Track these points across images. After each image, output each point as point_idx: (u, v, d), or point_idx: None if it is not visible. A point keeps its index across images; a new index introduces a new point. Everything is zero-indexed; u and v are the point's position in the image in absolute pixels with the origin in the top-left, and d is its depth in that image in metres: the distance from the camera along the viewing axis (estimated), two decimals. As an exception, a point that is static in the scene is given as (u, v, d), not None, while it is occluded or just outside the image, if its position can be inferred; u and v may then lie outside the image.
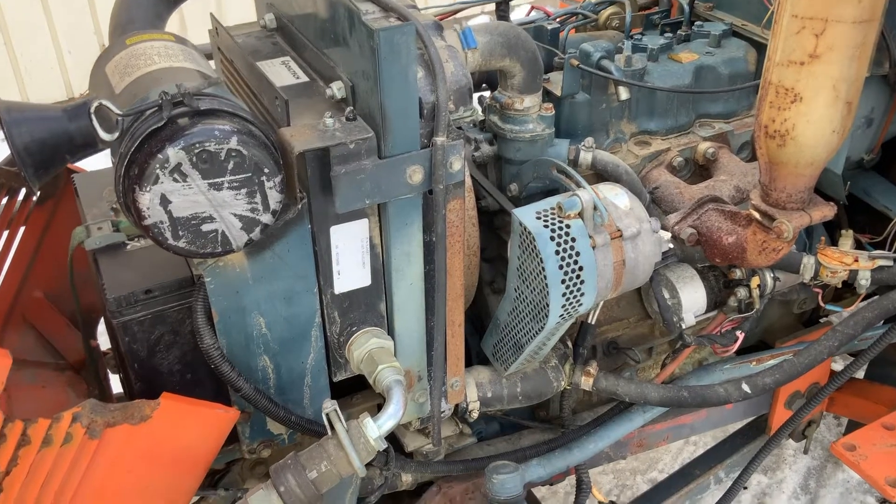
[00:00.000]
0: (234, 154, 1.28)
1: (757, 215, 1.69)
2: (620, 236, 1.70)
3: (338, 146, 1.41)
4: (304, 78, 1.69)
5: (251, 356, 1.59)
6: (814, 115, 1.50)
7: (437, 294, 1.64)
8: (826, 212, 1.66)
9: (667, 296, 2.12)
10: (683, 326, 2.12)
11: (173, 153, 1.24)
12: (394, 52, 1.38)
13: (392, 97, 1.42)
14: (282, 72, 1.72)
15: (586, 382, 2.01)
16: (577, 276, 1.64)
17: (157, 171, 1.24)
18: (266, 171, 1.32)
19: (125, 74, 1.44)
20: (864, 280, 2.03)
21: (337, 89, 1.52)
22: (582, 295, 1.66)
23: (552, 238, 1.62)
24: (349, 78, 1.53)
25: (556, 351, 2.01)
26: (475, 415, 1.94)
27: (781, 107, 1.52)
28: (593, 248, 1.66)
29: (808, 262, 1.98)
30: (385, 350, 1.62)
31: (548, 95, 1.94)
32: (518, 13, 2.47)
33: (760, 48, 2.22)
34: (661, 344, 2.36)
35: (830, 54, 1.44)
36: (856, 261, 2.03)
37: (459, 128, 1.54)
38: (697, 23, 2.22)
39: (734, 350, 2.16)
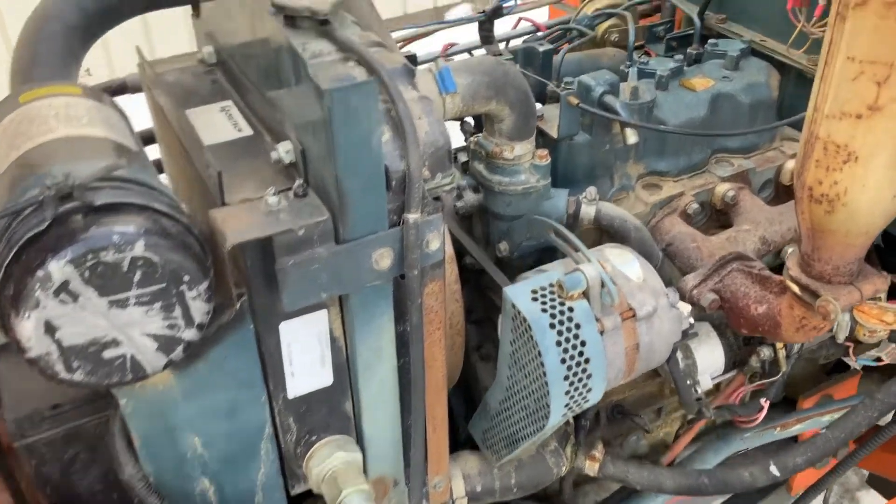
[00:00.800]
0: (140, 263, 0.98)
1: (796, 289, 1.41)
2: (633, 316, 1.41)
3: (283, 234, 1.12)
4: (247, 130, 1.39)
5: (186, 480, 1.30)
6: (871, 178, 1.22)
7: (413, 392, 1.35)
8: (879, 285, 1.39)
9: (680, 356, 1.85)
10: (700, 391, 1.85)
11: (57, 268, 0.94)
12: (351, 116, 1.09)
13: (351, 170, 1.13)
14: (220, 122, 1.41)
15: (591, 468, 1.73)
16: (583, 370, 1.35)
17: (38, 292, 0.94)
18: (187, 278, 1.03)
19: (12, 147, 1.13)
20: (907, 341, 1.76)
21: (284, 152, 1.22)
22: (589, 391, 1.38)
23: (552, 325, 1.34)
24: (299, 138, 1.23)
25: (556, 432, 1.73)
26: (462, 512, 1.66)
27: (831, 167, 1.24)
28: (601, 333, 1.37)
29: (843, 319, 1.71)
30: (351, 467, 1.33)
31: (542, 137, 1.65)
32: (504, 25, 2.16)
33: (784, 69, 1.93)
34: (671, 403, 2.09)
35: (895, 106, 1.16)
36: (898, 319, 1.76)
37: (437, 198, 1.25)
38: (711, 41, 1.93)
39: (759, 421, 1.89)
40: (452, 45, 2.17)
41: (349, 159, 1.11)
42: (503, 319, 1.43)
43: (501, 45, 2.22)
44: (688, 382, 1.89)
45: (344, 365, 1.36)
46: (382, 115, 1.20)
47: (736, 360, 1.93)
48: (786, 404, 2.28)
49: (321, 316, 1.28)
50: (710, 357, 1.86)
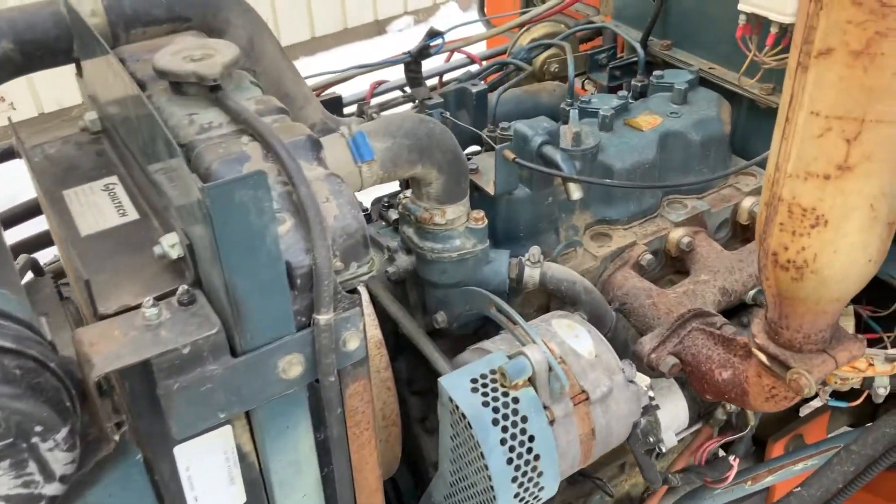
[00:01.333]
0: (-27, 420, 0.79)
1: (763, 358, 1.27)
2: (587, 399, 1.26)
3: (164, 355, 0.93)
4: (132, 214, 1.20)
5: None
6: (843, 242, 1.08)
7: (341, 506, 1.18)
8: (855, 351, 1.25)
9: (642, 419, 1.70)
10: (664, 449, 1.71)
11: None
12: (237, 214, 0.91)
13: (242, 273, 0.95)
14: (102, 204, 1.22)
15: (551, 549, 1.57)
16: (533, 468, 1.19)
17: None
18: (39, 429, 0.84)
19: None
20: (882, 388, 1.64)
21: (169, 246, 1.04)
22: (540, 489, 1.22)
23: (496, 421, 1.17)
24: (186, 229, 1.04)
25: (511, 511, 1.57)
26: None
27: (798, 231, 1.10)
28: (551, 423, 1.21)
29: (811, 369, 1.58)
30: None
31: (477, 192, 1.49)
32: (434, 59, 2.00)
33: (735, 99, 1.80)
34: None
35: (868, 165, 1.02)
36: (870, 365, 1.64)
37: (353, 290, 1.07)
38: (656, 73, 1.79)
39: (730, 480, 1.75)
40: (381, 83, 2.00)
41: (239, 261, 0.93)
42: (441, 410, 1.26)
43: (434, 81, 2.06)
44: (650, 440, 1.75)
45: (259, 480, 1.17)
46: (284, 200, 1.03)
47: (701, 412, 1.80)
48: (755, 448, 2.16)
49: (224, 433, 1.10)
50: (672, 411, 1.72)
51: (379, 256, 1.62)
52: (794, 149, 1.06)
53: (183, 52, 1.17)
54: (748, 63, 1.70)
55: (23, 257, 1.56)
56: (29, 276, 1.56)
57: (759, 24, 1.65)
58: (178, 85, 1.16)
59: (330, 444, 1.15)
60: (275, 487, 1.16)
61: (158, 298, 1.02)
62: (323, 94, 1.87)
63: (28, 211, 1.80)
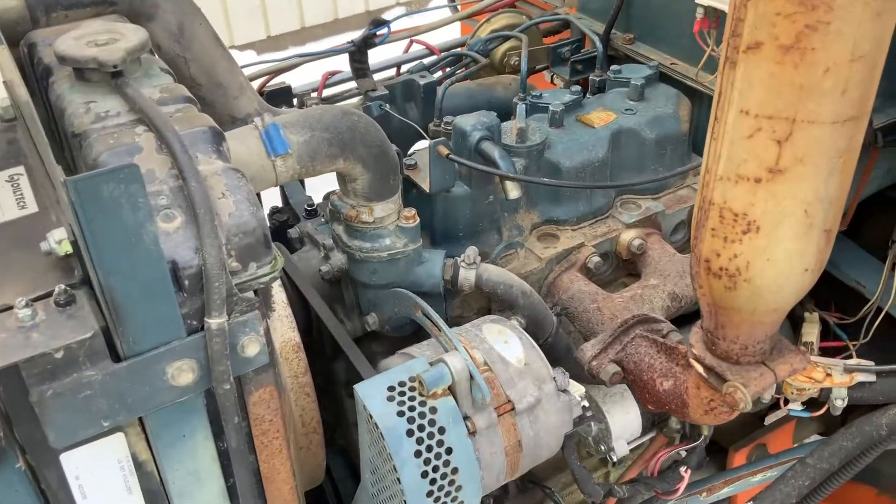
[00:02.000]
0: None
1: (700, 370, 1.20)
2: (512, 409, 1.19)
3: (35, 359, 0.87)
4: (31, 207, 1.13)
5: None
6: (777, 250, 1.01)
7: (246, 521, 1.11)
8: (796, 364, 1.18)
9: (592, 424, 1.64)
10: (615, 458, 1.65)
11: None
12: (107, 211, 0.84)
13: (119, 272, 0.88)
14: (2, 195, 1.16)
15: (488, 560, 1.51)
16: (451, 482, 1.13)
17: None
18: None
19: None
20: (839, 400, 1.58)
21: (56, 242, 0.97)
22: (459, 504, 1.16)
23: (410, 432, 1.11)
24: (73, 224, 0.98)
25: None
26: None
27: (729, 237, 1.03)
28: (472, 434, 1.15)
29: (766, 378, 1.51)
30: None
31: (414, 189, 1.42)
32: (396, 47, 1.93)
33: (696, 96, 1.73)
34: (589, 464, 1.88)
35: (801, 168, 0.95)
36: (828, 376, 1.58)
37: (255, 292, 1.01)
38: (614, 67, 1.72)
39: (681, 493, 1.69)
40: (334, 73, 1.93)
41: (114, 261, 0.87)
42: (359, 419, 1.20)
43: (391, 72, 1.99)
44: (601, 448, 1.69)
45: (159, 490, 1.11)
46: (176, 195, 0.96)
47: (655, 421, 1.74)
48: (716, 454, 2.09)
49: (116, 440, 1.03)
50: (625, 419, 1.65)
51: (315, 255, 1.56)
52: (724, 150, 0.99)
53: (87, 37, 1.11)
54: (706, 58, 1.63)
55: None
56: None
57: (717, 17, 1.58)
58: (81, 71, 1.10)
59: (230, 454, 1.09)
60: (174, 499, 1.10)
61: (43, 297, 0.96)
62: (271, 83, 1.81)
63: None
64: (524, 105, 1.50)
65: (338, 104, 1.30)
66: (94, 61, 1.06)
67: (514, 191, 1.35)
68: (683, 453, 1.75)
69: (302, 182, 1.88)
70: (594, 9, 2.00)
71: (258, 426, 1.10)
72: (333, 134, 1.18)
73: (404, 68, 2.01)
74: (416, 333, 1.48)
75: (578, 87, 1.67)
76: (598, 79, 1.77)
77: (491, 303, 1.50)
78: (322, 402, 1.80)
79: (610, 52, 1.88)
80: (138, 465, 1.07)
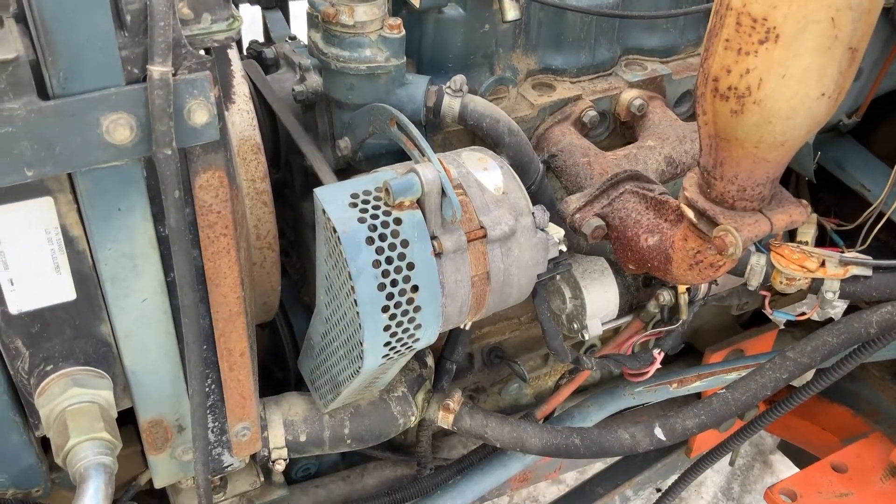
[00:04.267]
0: None
1: (690, 214, 1.11)
2: (484, 237, 1.10)
3: (-57, 75, 0.76)
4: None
5: None
6: (795, 65, 0.90)
7: (183, 316, 1.02)
8: (795, 216, 1.09)
9: (567, 296, 1.56)
10: (587, 336, 1.57)
11: None
12: None
13: (47, -15, 0.77)
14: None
15: (444, 420, 1.45)
16: (409, 301, 1.04)
17: None
18: None
19: None
20: (830, 293, 1.49)
21: (-15, -35, 0.85)
22: (417, 327, 1.07)
23: (370, 240, 1.01)
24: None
25: (406, 374, 1.44)
26: (281, 467, 1.36)
27: (744, 49, 0.92)
28: (437, 256, 1.06)
29: (756, 263, 1.43)
30: (88, 410, 1.00)
31: (404, 6, 1.30)
32: None
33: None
34: (560, 349, 1.81)
35: (834, -37, 0.84)
36: (822, 265, 1.49)
37: (207, 50, 0.90)
38: None
39: (650, 375, 1.62)
40: None
41: (41, -33, 0.76)
42: (317, 229, 1.10)
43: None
44: (574, 326, 1.61)
45: (92, 275, 1.02)
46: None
47: (633, 304, 1.65)
48: (691, 357, 2.03)
49: (44, 205, 0.94)
50: (602, 298, 1.57)
51: (291, 77, 1.45)
52: (751, -61, 0.87)
53: None
54: None
55: None
56: None
57: None
58: None
59: (168, 235, 0.99)
60: (106, 284, 1.01)
61: (-34, 25, 0.85)
62: None
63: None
64: (533, -68, 1.37)
65: None
66: None
67: (512, 10, 1.23)
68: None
69: (286, 15, 1.75)
70: None
71: (204, 216, 1.00)
72: None
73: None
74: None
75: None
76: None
77: (476, 142, 1.39)
78: (289, 254, 1.71)
79: None
80: (69, 241, 0.98)
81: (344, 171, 1.38)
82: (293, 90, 1.34)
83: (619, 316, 1.62)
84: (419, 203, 1.04)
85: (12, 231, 0.94)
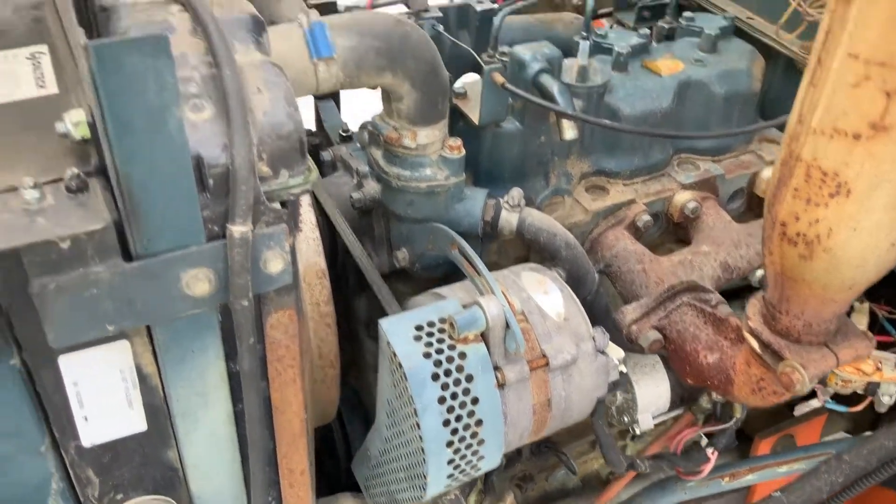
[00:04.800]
0: None
1: (755, 345, 1.11)
2: (546, 365, 1.10)
3: (38, 247, 0.79)
4: (51, 88, 1.04)
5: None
6: (866, 219, 0.90)
7: (251, 450, 1.04)
8: (861, 350, 1.08)
9: (618, 392, 1.55)
10: (638, 431, 1.56)
11: None
12: (130, 85, 0.75)
13: (137, 158, 0.79)
14: (21, 73, 1.06)
15: (497, 522, 1.44)
16: (473, 435, 1.05)
17: None
18: None
19: None
20: (886, 397, 1.47)
21: (72, 124, 0.88)
22: (480, 459, 1.08)
23: (436, 377, 1.02)
24: (91, 102, 0.89)
25: (458, 476, 1.43)
26: (334, 571, 1.37)
27: (813, 200, 0.92)
28: (501, 386, 1.06)
29: (811, 365, 1.42)
30: (157, 542, 1.02)
31: (462, 120, 1.31)
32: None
33: (771, 55, 1.60)
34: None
35: (910, 127, 0.84)
36: (878, 370, 1.48)
37: (283, 204, 0.92)
38: (687, 14, 1.59)
39: (704, 475, 1.60)
40: (383, -7, 1.81)
41: (133, 145, 0.78)
42: (381, 356, 1.11)
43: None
44: (625, 419, 1.60)
45: (162, 407, 1.04)
46: (207, 84, 0.87)
47: (684, 397, 1.64)
48: (740, 442, 2.00)
49: (121, 348, 0.96)
50: (653, 392, 1.57)
51: (348, 181, 1.47)
52: (823, 98, 0.87)
53: None
54: (790, 13, 1.49)
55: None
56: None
57: (809, -31, 1.45)
58: (117, -63, 0.99)
59: (242, 377, 1.01)
60: (177, 418, 1.02)
61: (53, 182, 0.87)
62: (317, -2, 1.69)
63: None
64: (587, 43, 1.38)
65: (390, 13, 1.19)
66: (133, -71, 0.96)
67: (570, 130, 1.25)
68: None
69: (337, 104, 1.78)
70: (668, -47, 1.86)
71: (273, 352, 1.02)
72: (383, 43, 1.08)
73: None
74: (448, 277, 1.40)
75: (647, 31, 1.54)
76: (667, 26, 1.65)
77: (531, 253, 1.40)
78: (341, 343, 1.72)
79: (680, 1, 1.75)
80: (142, 378, 1.00)
81: (395, 274, 1.40)
82: (351, 197, 1.36)
83: (670, 409, 1.61)
84: (483, 336, 1.05)
85: (90, 373, 0.96)
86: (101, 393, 0.99)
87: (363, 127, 1.60)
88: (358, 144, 1.55)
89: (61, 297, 0.83)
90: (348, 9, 1.52)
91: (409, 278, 1.43)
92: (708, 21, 1.57)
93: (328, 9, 1.72)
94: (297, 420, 1.12)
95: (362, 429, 1.66)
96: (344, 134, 1.64)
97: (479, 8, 1.53)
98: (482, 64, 1.28)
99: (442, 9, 1.52)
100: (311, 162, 0.93)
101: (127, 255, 0.85)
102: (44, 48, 1.12)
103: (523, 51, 1.27)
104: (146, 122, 0.77)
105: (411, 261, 1.31)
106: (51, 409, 0.97)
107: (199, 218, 0.86)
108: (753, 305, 1.13)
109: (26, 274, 0.81)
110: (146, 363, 0.99)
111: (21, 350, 0.90)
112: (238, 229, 0.86)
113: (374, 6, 1.78)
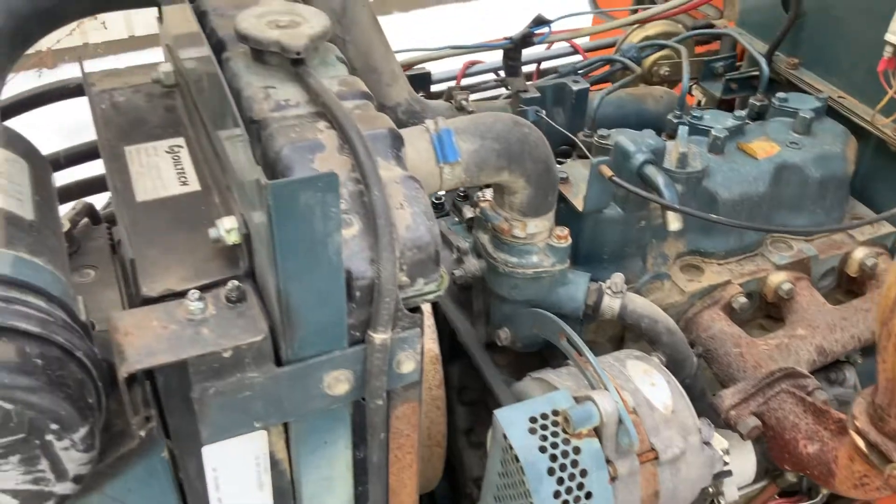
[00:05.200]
0: (-14, 412, 0.71)
1: (862, 444, 1.12)
2: (655, 458, 1.13)
3: (202, 358, 0.84)
4: (193, 185, 1.11)
5: None
6: None
7: (371, 533, 1.09)
8: (972, 455, 1.09)
9: (703, 464, 1.57)
10: (723, 502, 1.57)
11: None
12: (300, 217, 0.80)
13: (298, 281, 0.85)
14: (164, 168, 1.14)
15: None
16: (585, 526, 1.08)
17: None
18: (55, 427, 0.76)
19: None
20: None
21: (226, 231, 0.94)
22: (589, 548, 1.10)
23: (551, 471, 1.06)
24: (246, 215, 0.95)
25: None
26: None
27: (937, 317, 0.94)
28: (612, 480, 1.09)
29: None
30: None
31: (563, 203, 1.35)
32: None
33: (862, 135, 1.62)
34: None
35: None
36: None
37: (415, 309, 0.96)
38: (780, 95, 1.61)
39: (788, 552, 1.61)
40: (474, 63, 1.87)
41: (297, 267, 0.84)
42: (492, 442, 1.15)
43: (530, 68, 1.92)
44: (709, 490, 1.61)
45: (289, 489, 1.09)
46: (354, 200, 0.92)
47: (769, 469, 1.65)
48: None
49: (258, 437, 1.01)
50: (739, 465, 1.57)
51: (447, 256, 1.51)
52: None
53: (268, 17, 1.07)
54: (887, 100, 1.51)
55: (80, 202, 1.50)
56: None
57: (908, 58, 1.46)
58: (260, 52, 1.06)
59: (368, 466, 1.06)
60: (304, 500, 1.08)
61: (206, 288, 0.94)
62: (411, 69, 1.76)
63: (91, 151, 1.73)
64: (686, 128, 1.41)
65: (505, 112, 1.23)
66: (277, 45, 1.02)
67: (676, 222, 1.28)
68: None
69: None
70: (754, 24, 1.89)
71: (395, 440, 1.07)
72: (503, 145, 1.13)
73: (543, 65, 1.94)
74: (542, 352, 1.43)
75: (742, 112, 1.57)
76: (758, 103, 1.67)
77: (625, 331, 1.43)
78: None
79: (770, 76, 1.77)
80: (274, 464, 1.05)
81: (488, 345, 1.44)
82: (452, 273, 1.41)
83: (755, 480, 1.62)
84: (596, 431, 1.08)
85: (228, 460, 1.02)
86: (236, 477, 1.04)
87: (450, 192, 1.65)
88: (454, 217, 1.60)
89: (218, 399, 0.89)
90: (449, 93, 1.56)
91: (503, 349, 1.47)
92: (801, 102, 1.59)
93: (423, 79, 1.78)
94: (410, 500, 1.16)
95: (448, 490, 1.70)
96: (436, 202, 1.69)
97: (574, 87, 1.58)
98: (585, 149, 1.32)
99: (540, 88, 1.57)
100: (443, 269, 0.98)
101: (277, 360, 0.91)
102: (181, 141, 1.20)
103: (628, 142, 1.30)
104: (310, 247, 0.83)
105: (513, 340, 1.35)
106: (190, 494, 1.03)
107: (345, 326, 0.92)
108: (860, 405, 1.14)
109: (187, 378, 0.87)
110: (278, 449, 1.04)
111: (170, 442, 0.97)
112: (380, 337, 0.91)
113: (465, 75, 1.84)
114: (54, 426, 0.76)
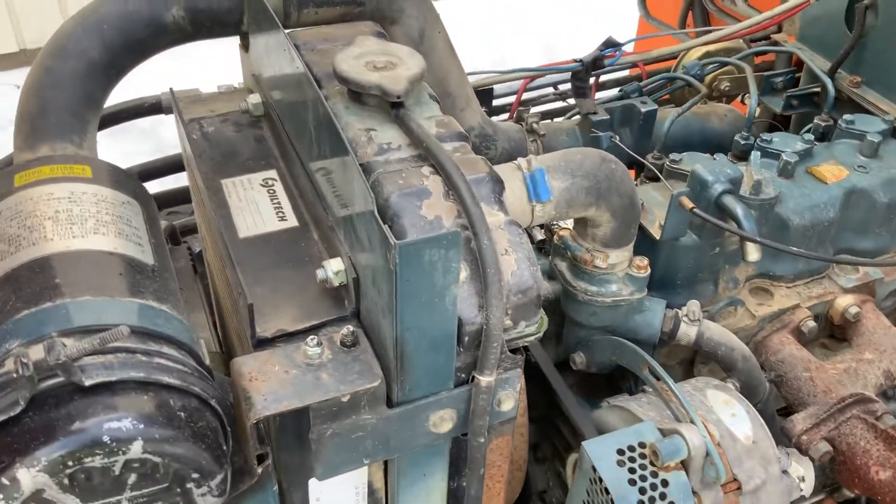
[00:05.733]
0: (137, 465, 0.75)
1: (944, 478, 1.14)
2: (738, 489, 1.16)
3: (324, 402, 0.88)
4: (291, 220, 1.14)
5: None
6: None
7: (462, 558, 1.12)
8: None
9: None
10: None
11: (27, 476, 0.71)
12: (422, 273, 0.83)
13: (416, 331, 0.88)
14: (261, 202, 1.17)
15: None
16: (671, 555, 1.11)
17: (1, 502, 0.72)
18: (195, 476, 0.80)
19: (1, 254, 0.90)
20: None
21: (333, 273, 0.98)
22: (673, 577, 1.14)
23: None
24: (353, 259, 0.98)
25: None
26: None
27: None
28: (697, 510, 1.12)
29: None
30: None
31: (639, 231, 1.37)
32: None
33: (930, 158, 1.62)
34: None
35: None
36: None
37: (515, 351, 0.99)
38: (846, 117, 1.61)
39: (849, 568, 1.63)
40: (535, 77, 1.88)
41: (415, 318, 0.87)
42: (578, 472, 1.18)
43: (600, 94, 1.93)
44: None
45: (382, 514, 1.13)
46: (462, 247, 0.95)
47: (827, 483, 1.68)
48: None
49: (359, 471, 1.05)
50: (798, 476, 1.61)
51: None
52: None
53: (366, 58, 1.09)
54: (956, 126, 1.51)
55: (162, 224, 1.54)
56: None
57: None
58: (358, 94, 1.08)
59: (461, 493, 1.09)
60: (398, 528, 1.12)
61: (315, 328, 0.97)
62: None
63: (168, 166, 1.77)
64: (758, 154, 1.42)
65: (591, 149, 1.25)
66: (378, 89, 1.04)
67: (754, 253, 1.30)
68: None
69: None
70: (814, 39, 1.89)
71: (488, 471, 1.10)
72: (592, 182, 1.15)
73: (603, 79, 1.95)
74: (611, 374, 1.46)
75: (811, 136, 1.58)
76: (823, 123, 1.68)
77: (696, 355, 1.46)
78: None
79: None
80: (371, 492, 1.09)
81: (563, 363, 1.47)
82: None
83: (812, 495, 1.65)
84: (683, 464, 1.11)
85: (330, 490, 1.06)
86: (336, 505, 1.09)
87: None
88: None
89: (334, 440, 0.92)
90: (520, 115, 1.58)
91: (571, 369, 1.50)
92: (868, 124, 1.59)
93: (486, 95, 1.80)
94: (496, 524, 1.20)
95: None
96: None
97: (643, 109, 1.59)
98: (656, 171, 1.35)
99: (609, 109, 1.58)
100: (542, 311, 1.01)
101: (389, 402, 0.95)
102: (273, 174, 1.23)
103: (705, 171, 1.32)
104: (428, 299, 0.86)
105: (588, 364, 1.38)
106: (293, 521, 1.07)
107: (453, 370, 0.95)
108: (940, 437, 1.16)
109: (303, 418, 0.91)
110: (376, 479, 1.08)
111: (279, 477, 1.01)
112: (486, 379, 0.95)
113: (525, 90, 1.86)
114: (195, 475, 0.79)
